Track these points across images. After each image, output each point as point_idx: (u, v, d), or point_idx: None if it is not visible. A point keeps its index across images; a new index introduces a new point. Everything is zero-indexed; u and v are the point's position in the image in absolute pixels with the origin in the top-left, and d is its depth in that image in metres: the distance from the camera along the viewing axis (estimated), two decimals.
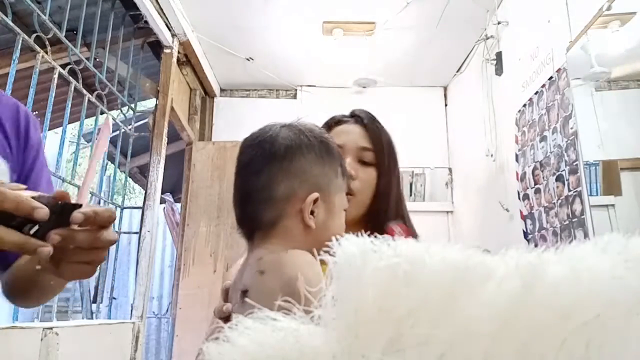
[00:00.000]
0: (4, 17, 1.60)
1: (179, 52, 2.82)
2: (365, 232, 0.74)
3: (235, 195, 0.72)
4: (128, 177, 3.21)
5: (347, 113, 1.01)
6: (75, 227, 0.57)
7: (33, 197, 0.54)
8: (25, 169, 0.81)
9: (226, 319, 0.66)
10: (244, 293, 0.62)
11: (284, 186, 0.68)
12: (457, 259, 0.34)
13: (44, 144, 1.77)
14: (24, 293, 0.78)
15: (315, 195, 0.68)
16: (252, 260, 0.67)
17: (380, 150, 0.94)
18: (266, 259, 0.64)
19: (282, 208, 0.68)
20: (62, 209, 0.56)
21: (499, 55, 2.51)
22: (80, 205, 0.58)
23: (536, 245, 2.17)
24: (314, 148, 0.70)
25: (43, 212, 0.52)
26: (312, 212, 0.68)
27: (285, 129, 0.71)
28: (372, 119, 0.98)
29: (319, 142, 0.71)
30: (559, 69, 1.88)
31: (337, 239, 0.42)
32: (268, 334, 0.38)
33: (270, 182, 0.68)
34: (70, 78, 2.00)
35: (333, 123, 0.98)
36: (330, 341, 0.35)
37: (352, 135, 0.94)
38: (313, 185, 0.69)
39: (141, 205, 2.58)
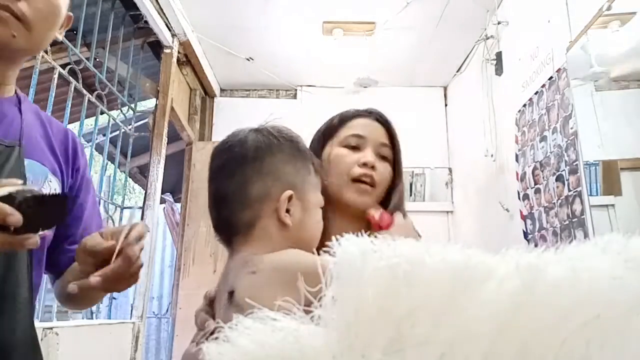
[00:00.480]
0: None
1: (179, 52, 2.82)
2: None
3: (210, 201, 0.74)
4: (128, 177, 3.21)
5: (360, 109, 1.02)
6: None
7: (11, 193, 0.57)
8: (73, 190, 0.86)
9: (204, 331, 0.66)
10: (231, 294, 0.61)
11: (257, 187, 0.69)
12: (457, 259, 0.34)
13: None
14: (74, 300, 0.86)
15: (289, 192, 0.69)
16: (237, 263, 0.66)
17: (397, 149, 0.97)
18: (255, 259, 0.64)
19: (258, 208, 0.68)
20: (42, 200, 0.59)
21: (499, 55, 2.51)
22: (64, 196, 0.63)
23: (536, 245, 2.16)
24: (284, 147, 0.72)
25: (15, 218, 0.55)
26: (287, 211, 0.69)
27: (254, 132, 0.73)
28: (390, 122, 1.01)
29: (288, 141, 0.73)
30: (559, 69, 1.88)
31: (336, 239, 0.42)
32: (268, 334, 0.38)
33: (243, 184, 0.69)
34: (70, 78, 2.00)
35: (351, 115, 0.99)
36: (330, 341, 0.35)
37: (373, 130, 0.96)
38: (286, 183, 0.70)
39: (141, 205, 2.58)
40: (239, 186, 0.69)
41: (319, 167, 0.76)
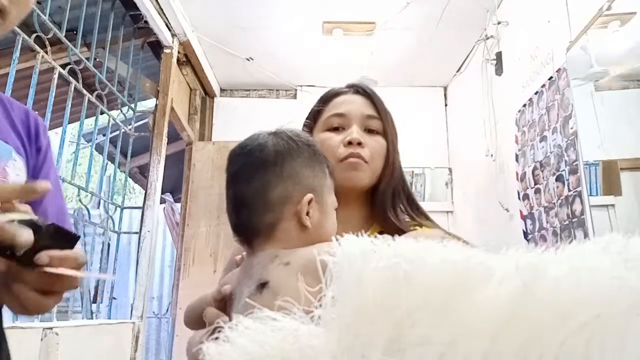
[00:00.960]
0: None
1: (179, 52, 2.82)
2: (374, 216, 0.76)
3: (228, 204, 0.73)
4: (128, 177, 3.21)
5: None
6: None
7: (33, 220, 0.52)
8: (35, 171, 0.84)
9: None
10: (263, 285, 0.63)
11: (278, 190, 0.70)
12: (457, 259, 0.34)
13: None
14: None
15: (310, 196, 0.70)
16: (263, 258, 0.68)
17: (385, 118, 0.90)
18: (286, 252, 0.66)
19: (280, 211, 0.69)
20: (55, 233, 0.54)
21: (499, 55, 2.51)
22: (76, 236, 0.57)
23: (536, 245, 2.17)
24: (303, 152, 0.72)
25: (25, 239, 0.51)
26: (307, 213, 0.70)
27: (273, 136, 0.73)
28: (374, 91, 0.93)
29: (306, 146, 0.73)
30: (559, 69, 1.88)
31: (336, 239, 0.42)
32: (268, 334, 0.38)
33: (264, 188, 0.70)
34: (70, 78, 2.00)
35: (330, 96, 0.93)
36: (330, 341, 0.35)
37: (355, 104, 0.89)
38: (306, 187, 0.71)
39: (141, 205, 2.58)
40: (260, 190, 0.70)
41: (333, 169, 0.76)
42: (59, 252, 0.54)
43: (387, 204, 0.87)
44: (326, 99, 0.93)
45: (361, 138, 0.85)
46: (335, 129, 0.88)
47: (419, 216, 0.93)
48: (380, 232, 0.81)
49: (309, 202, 0.70)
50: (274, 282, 0.63)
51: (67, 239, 0.56)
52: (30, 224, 0.52)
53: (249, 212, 0.70)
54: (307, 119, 0.94)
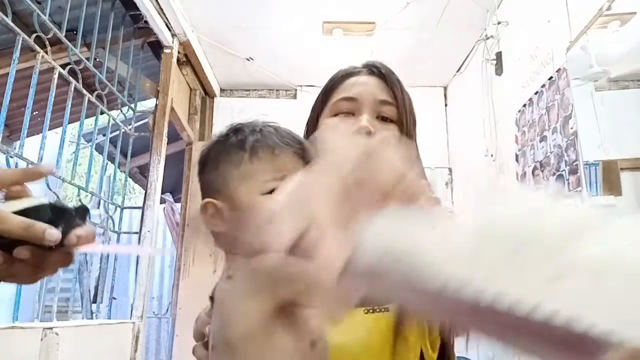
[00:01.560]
0: (4, 17, 1.60)
1: (179, 52, 2.82)
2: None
3: None
4: (128, 177, 3.21)
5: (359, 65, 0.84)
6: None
7: (48, 203, 0.52)
8: None
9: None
10: (211, 299, 0.59)
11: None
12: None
13: (43, 144, 1.78)
14: None
15: (205, 201, 0.66)
16: (224, 267, 0.65)
17: (402, 104, 0.79)
18: (235, 263, 0.62)
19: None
20: (74, 211, 0.54)
21: (499, 55, 2.51)
22: (88, 210, 0.57)
23: None
24: (210, 154, 0.68)
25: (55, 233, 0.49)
26: (221, 217, 0.65)
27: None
28: (390, 70, 0.83)
29: (214, 145, 0.68)
30: (559, 69, 1.88)
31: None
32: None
33: None
34: (70, 78, 2.00)
35: (341, 76, 0.82)
36: None
37: (368, 87, 0.79)
38: (210, 191, 0.68)
39: (141, 205, 2.58)
40: None
41: (256, 148, 0.64)
42: (81, 229, 0.53)
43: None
44: (336, 81, 0.83)
45: (372, 127, 0.75)
46: (345, 114, 0.78)
47: None
48: None
49: (205, 208, 0.66)
50: (216, 297, 0.58)
51: (82, 215, 0.55)
52: (51, 207, 0.51)
53: None
54: (315, 102, 0.85)
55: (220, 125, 3.54)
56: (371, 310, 0.71)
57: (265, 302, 0.50)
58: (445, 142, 3.55)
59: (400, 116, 0.78)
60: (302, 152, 0.65)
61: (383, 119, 0.78)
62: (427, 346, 0.74)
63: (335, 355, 0.61)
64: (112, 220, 2.46)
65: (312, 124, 0.83)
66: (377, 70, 0.81)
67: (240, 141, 0.65)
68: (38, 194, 0.56)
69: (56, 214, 0.51)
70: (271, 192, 0.62)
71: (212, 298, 0.58)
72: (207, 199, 0.66)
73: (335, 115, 0.79)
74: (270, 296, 0.50)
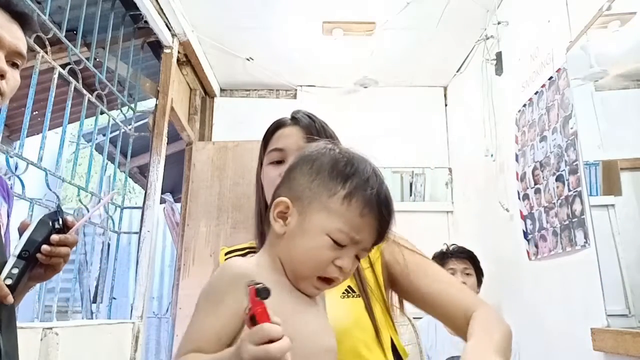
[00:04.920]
0: None
1: (179, 52, 2.81)
2: None
3: None
4: (128, 177, 3.21)
5: (288, 116, 1.01)
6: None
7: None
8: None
9: None
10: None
11: (277, 191, 0.72)
12: None
13: (43, 144, 1.78)
14: None
15: (283, 198, 0.69)
16: None
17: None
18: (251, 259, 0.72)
19: (270, 210, 0.71)
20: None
21: (499, 55, 2.50)
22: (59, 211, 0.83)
23: (536, 246, 2.17)
24: (315, 162, 0.70)
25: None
26: (284, 218, 0.68)
27: (321, 145, 0.74)
28: (310, 117, 0.98)
29: (329, 158, 0.70)
30: (559, 69, 1.88)
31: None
32: None
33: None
34: (70, 78, 1.99)
35: (272, 129, 0.99)
36: None
37: (291, 138, 0.95)
38: (293, 192, 0.69)
39: (141, 205, 2.58)
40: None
41: (354, 196, 0.67)
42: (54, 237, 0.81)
43: None
44: (269, 133, 1.00)
45: None
46: (277, 163, 0.94)
47: None
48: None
49: (276, 206, 0.69)
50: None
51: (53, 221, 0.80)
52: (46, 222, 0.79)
53: None
54: (259, 152, 1.01)
55: (220, 125, 3.54)
56: (346, 296, 0.88)
57: None
58: (445, 142, 3.54)
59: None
60: (385, 223, 0.69)
61: None
62: (396, 335, 0.93)
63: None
64: (112, 220, 2.46)
65: (258, 172, 0.99)
66: (298, 121, 0.97)
67: (347, 175, 0.68)
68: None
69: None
70: (336, 242, 0.66)
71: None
72: (285, 199, 0.69)
73: (271, 163, 0.95)
74: None
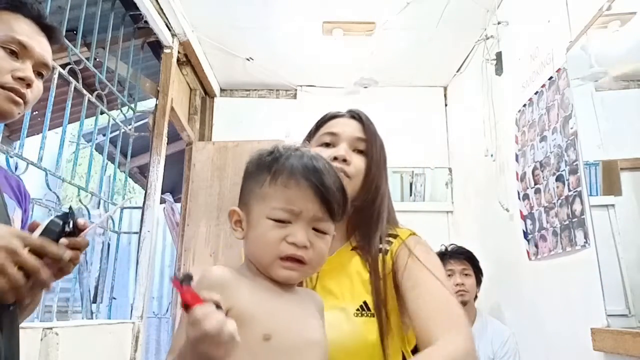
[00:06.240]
0: None
1: (179, 52, 2.81)
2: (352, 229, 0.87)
3: None
4: (128, 177, 3.21)
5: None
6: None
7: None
8: (23, 224, 1.02)
9: None
10: None
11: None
12: None
13: (43, 144, 1.78)
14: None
15: (232, 208, 0.75)
16: None
17: (373, 141, 0.99)
18: None
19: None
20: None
21: (499, 55, 2.50)
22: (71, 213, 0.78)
23: (536, 246, 2.16)
24: (247, 167, 0.77)
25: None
26: (240, 225, 0.74)
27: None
28: (368, 118, 1.03)
29: (256, 157, 0.76)
30: (559, 69, 1.88)
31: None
32: None
33: None
34: (70, 78, 1.99)
35: (328, 118, 1.04)
36: None
37: (348, 127, 0.99)
38: (240, 200, 0.76)
39: (141, 205, 2.58)
40: None
41: (278, 175, 0.71)
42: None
43: (370, 232, 0.93)
44: (323, 121, 1.04)
45: (347, 155, 0.94)
46: (326, 145, 0.97)
47: (392, 225, 0.99)
48: (354, 248, 0.94)
49: (231, 216, 0.75)
50: None
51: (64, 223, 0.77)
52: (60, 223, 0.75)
53: None
54: (305, 137, 1.05)
55: (220, 125, 3.54)
56: (360, 314, 0.85)
57: None
58: (445, 142, 3.54)
59: (369, 149, 0.98)
60: (319, 188, 0.70)
61: (358, 151, 0.97)
62: (407, 349, 0.89)
63: (332, 349, 0.73)
64: (112, 220, 2.46)
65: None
66: (357, 115, 1.02)
67: (270, 162, 0.73)
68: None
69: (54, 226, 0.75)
70: (277, 220, 0.69)
71: None
72: (233, 207, 0.75)
73: (319, 145, 0.98)
74: None
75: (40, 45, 0.94)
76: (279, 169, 0.71)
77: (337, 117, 1.03)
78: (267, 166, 0.72)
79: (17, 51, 0.90)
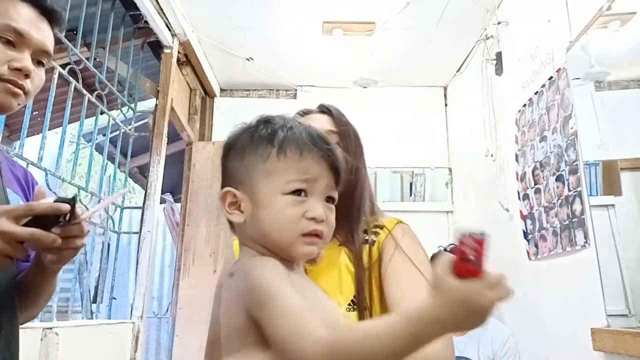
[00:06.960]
0: None
1: (179, 52, 2.81)
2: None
3: None
4: (128, 177, 3.21)
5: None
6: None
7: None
8: None
9: None
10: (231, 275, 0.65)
11: (221, 188, 0.70)
12: None
13: (43, 144, 1.78)
14: (32, 300, 0.90)
15: (226, 189, 0.68)
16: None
17: (346, 132, 0.98)
18: (236, 263, 0.68)
19: (222, 208, 0.70)
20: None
21: (499, 55, 2.50)
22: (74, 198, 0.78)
23: (536, 246, 2.16)
24: (237, 143, 0.71)
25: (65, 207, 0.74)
26: (238, 207, 0.68)
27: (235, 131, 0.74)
28: (338, 110, 1.03)
29: (246, 132, 0.71)
30: (559, 69, 1.88)
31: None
32: None
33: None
34: (70, 78, 1.99)
35: (300, 114, 1.04)
36: None
37: (318, 122, 0.97)
38: (232, 180, 0.69)
39: (141, 205, 2.58)
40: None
41: (286, 146, 0.67)
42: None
43: (352, 224, 0.92)
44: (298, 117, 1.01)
45: None
46: None
47: (377, 215, 0.99)
48: (341, 244, 0.92)
49: (225, 198, 0.68)
50: (223, 292, 0.66)
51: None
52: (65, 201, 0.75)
53: None
54: None
55: (220, 125, 3.54)
56: (352, 309, 0.85)
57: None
58: (445, 142, 3.54)
59: (343, 142, 0.97)
60: (329, 155, 0.68)
61: None
62: None
63: None
64: (112, 220, 2.46)
65: None
66: (328, 110, 1.02)
67: (270, 134, 0.68)
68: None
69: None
70: (292, 192, 0.66)
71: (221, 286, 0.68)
72: (228, 188, 0.68)
73: None
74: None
75: (39, 31, 0.88)
76: (286, 140, 0.67)
77: (307, 113, 1.03)
78: (267, 139, 0.68)
79: (14, 40, 0.84)
